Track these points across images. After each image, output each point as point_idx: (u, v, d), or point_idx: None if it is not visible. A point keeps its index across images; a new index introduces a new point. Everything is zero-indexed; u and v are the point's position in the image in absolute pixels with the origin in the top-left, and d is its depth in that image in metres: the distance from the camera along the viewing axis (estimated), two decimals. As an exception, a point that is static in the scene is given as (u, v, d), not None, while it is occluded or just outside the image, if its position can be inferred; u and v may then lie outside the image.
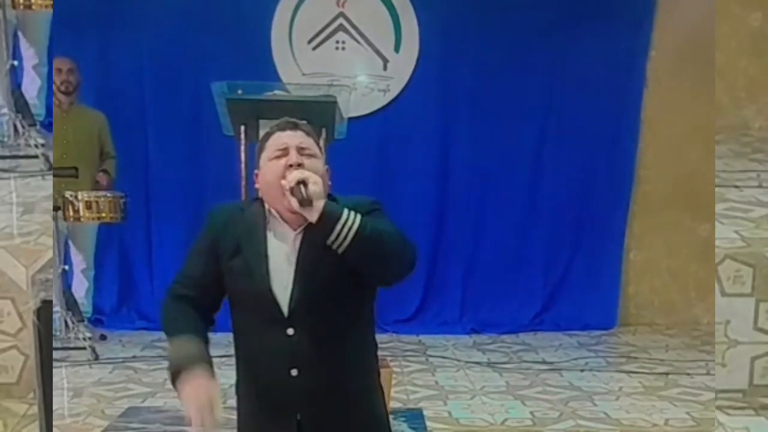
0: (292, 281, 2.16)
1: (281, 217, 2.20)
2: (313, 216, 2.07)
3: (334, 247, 2.08)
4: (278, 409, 2.20)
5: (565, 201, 6.78)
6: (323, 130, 4.51)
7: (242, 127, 4.58)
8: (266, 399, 2.21)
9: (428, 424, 4.29)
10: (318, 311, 2.15)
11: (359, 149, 6.19)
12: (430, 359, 5.73)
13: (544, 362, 5.68)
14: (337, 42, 6.65)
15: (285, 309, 2.15)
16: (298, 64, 6.61)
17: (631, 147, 6.83)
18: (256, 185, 2.26)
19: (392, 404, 4.24)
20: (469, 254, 6.73)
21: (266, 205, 2.24)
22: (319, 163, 2.20)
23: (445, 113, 6.71)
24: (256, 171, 2.26)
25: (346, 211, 2.08)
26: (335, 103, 4.61)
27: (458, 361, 5.62)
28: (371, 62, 6.67)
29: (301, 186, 2.07)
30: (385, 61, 6.68)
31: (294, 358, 2.15)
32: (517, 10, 6.62)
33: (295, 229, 2.20)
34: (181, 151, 6.55)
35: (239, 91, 4.61)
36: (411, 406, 4.58)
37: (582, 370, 5.48)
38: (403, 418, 4.32)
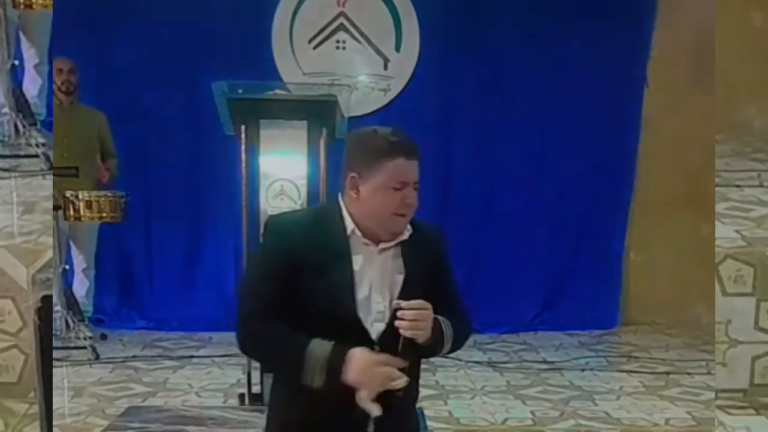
0: (381, 307, 2.16)
1: (367, 233, 2.18)
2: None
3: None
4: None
5: (566, 201, 6.78)
6: (324, 130, 4.53)
7: (243, 127, 4.57)
8: (342, 422, 2.14)
9: (429, 423, 4.29)
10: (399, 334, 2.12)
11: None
12: (431, 359, 5.69)
13: (544, 362, 5.68)
14: (338, 41, 6.65)
15: (374, 335, 2.13)
16: (298, 64, 6.61)
17: (632, 147, 6.83)
18: (350, 193, 2.18)
19: (393, 404, 4.24)
20: (470, 254, 6.69)
21: (346, 219, 2.18)
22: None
23: (445, 113, 6.71)
24: (353, 174, 2.17)
25: (445, 336, 2.19)
26: (336, 102, 4.62)
27: (459, 360, 5.59)
28: (372, 62, 6.67)
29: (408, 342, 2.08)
30: (386, 60, 6.68)
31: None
32: (518, 9, 6.63)
33: (377, 244, 2.20)
34: (182, 150, 6.54)
35: (240, 91, 4.60)
36: (412, 405, 4.57)
37: (583, 370, 5.48)
38: (403, 418, 4.31)
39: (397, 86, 6.67)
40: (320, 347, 2.06)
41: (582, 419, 4.43)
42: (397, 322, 2.09)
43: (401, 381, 2.07)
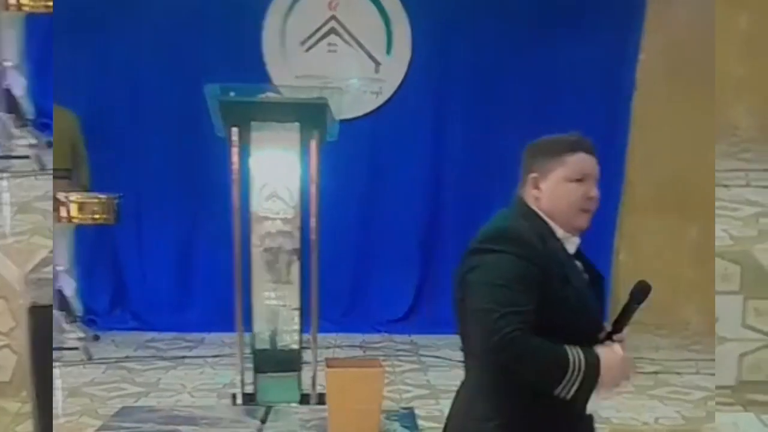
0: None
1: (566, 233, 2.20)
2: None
3: None
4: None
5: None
6: (315, 133, 4.55)
7: (234, 129, 4.59)
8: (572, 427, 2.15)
9: (420, 423, 4.26)
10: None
11: (352, 151, 6.20)
12: (423, 359, 5.76)
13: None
14: (329, 45, 6.68)
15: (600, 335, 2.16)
16: (290, 67, 6.64)
17: (621, 149, 6.86)
18: (532, 193, 2.22)
19: (384, 404, 4.25)
20: (461, 255, 6.72)
21: (551, 225, 2.18)
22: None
23: (437, 115, 6.75)
24: (533, 175, 2.22)
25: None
26: (327, 105, 4.63)
27: (450, 360, 5.61)
28: (363, 65, 6.70)
29: None
30: (377, 63, 6.71)
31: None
32: (508, 13, 6.65)
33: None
34: (175, 152, 6.55)
35: (232, 94, 4.61)
36: (403, 405, 4.61)
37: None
38: (395, 418, 4.29)
39: (388, 89, 6.70)
40: (575, 356, 2.03)
41: (571, 419, 4.46)
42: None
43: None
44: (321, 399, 4.21)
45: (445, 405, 4.59)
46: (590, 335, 2.11)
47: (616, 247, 6.95)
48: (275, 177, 4.57)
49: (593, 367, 2.03)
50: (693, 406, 4.64)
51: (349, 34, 6.69)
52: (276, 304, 4.38)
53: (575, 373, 2.01)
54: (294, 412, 3.81)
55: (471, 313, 2.13)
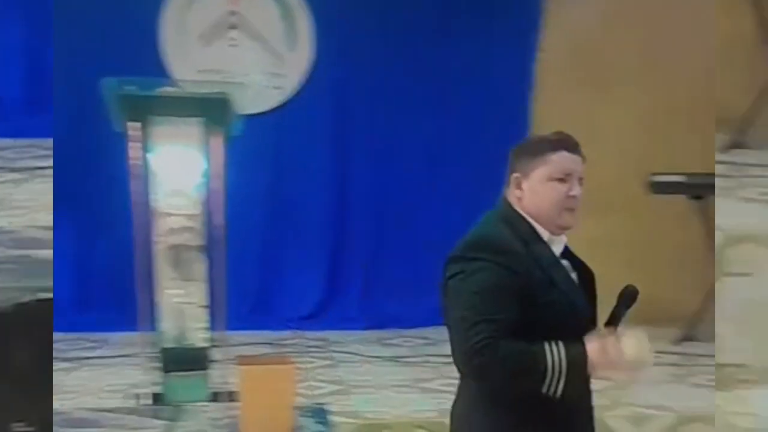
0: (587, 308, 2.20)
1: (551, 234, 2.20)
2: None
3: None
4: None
5: (462, 198, 6.81)
6: (218, 128, 4.46)
7: (134, 124, 4.45)
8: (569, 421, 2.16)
9: (333, 419, 4.26)
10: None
11: (256, 147, 6.08)
12: (334, 355, 5.70)
13: (446, 355, 5.66)
14: (231, 39, 6.53)
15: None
16: (190, 62, 6.44)
17: (522, 146, 6.92)
18: (515, 194, 2.22)
19: (297, 400, 4.20)
20: (370, 251, 6.70)
21: (534, 226, 2.19)
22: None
23: (341, 111, 6.66)
24: (516, 175, 2.23)
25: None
26: (230, 100, 4.55)
27: (362, 356, 5.61)
28: (265, 60, 6.57)
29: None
30: (280, 59, 6.61)
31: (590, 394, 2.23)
32: (410, 9, 6.62)
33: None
34: (71, 147, 6.29)
35: (130, 88, 4.47)
36: (316, 401, 4.53)
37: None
38: (308, 414, 4.27)
39: (291, 85, 6.58)
40: (555, 352, 2.03)
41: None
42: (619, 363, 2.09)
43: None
44: (232, 397, 4.14)
45: (358, 400, 4.61)
46: (581, 336, 2.09)
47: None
48: (177, 173, 4.47)
49: (578, 360, 2.03)
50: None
51: (251, 28, 6.56)
52: (182, 301, 4.29)
53: (556, 370, 2.02)
54: (204, 411, 3.75)
55: (450, 323, 2.15)
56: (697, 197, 6.12)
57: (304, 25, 6.60)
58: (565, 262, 2.23)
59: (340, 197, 6.69)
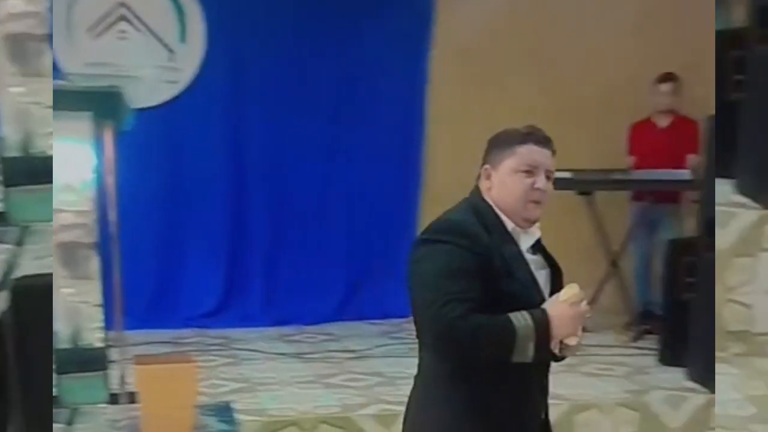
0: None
1: (517, 226, 2.26)
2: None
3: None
4: (534, 416, 2.30)
5: (361, 193, 6.82)
6: (109, 122, 4.29)
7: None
8: (525, 405, 2.26)
9: (237, 416, 4.18)
10: None
11: (150, 141, 5.96)
12: (237, 352, 5.60)
13: (349, 351, 5.70)
14: (120, 32, 6.33)
15: None
16: (79, 55, 6.22)
17: (419, 141, 6.95)
18: (485, 185, 2.28)
19: (200, 399, 4.10)
20: (270, 247, 6.63)
21: (501, 217, 2.25)
22: (551, 185, 2.29)
23: (237, 104, 6.56)
24: (486, 166, 2.29)
25: None
26: (121, 93, 4.39)
27: (265, 353, 5.54)
28: (157, 53, 6.40)
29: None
30: (171, 51, 6.44)
31: (547, 364, 2.31)
32: (305, 2, 6.58)
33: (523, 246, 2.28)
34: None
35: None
36: (219, 399, 4.44)
37: (385, 357, 5.54)
38: (211, 413, 4.18)
39: (185, 78, 6.44)
40: (521, 318, 2.12)
41: (386, 404, 4.48)
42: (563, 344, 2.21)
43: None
44: (132, 398, 4.02)
45: (263, 398, 4.53)
46: None
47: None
48: (67, 168, 4.28)
49: (542, 321, 2.13)
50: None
51: (140, 21, 6.38)
52: (75, 300, 4.10)
53: (524, 333, 2.11)
54: (102, 412, 3.60)
55: (418, 302, 2.20)
56: (585, 193, 6.26)
57: (195, 17, 6.47)
58: (535, 257, 2.30)
59: (237, 192, 6.58)
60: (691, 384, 4.91)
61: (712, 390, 4.66)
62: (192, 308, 6.37)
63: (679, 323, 5.18)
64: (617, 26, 7.06)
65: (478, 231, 2.20)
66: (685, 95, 6.41)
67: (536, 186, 2.24)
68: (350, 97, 6.75)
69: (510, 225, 2.26)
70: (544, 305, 2.17)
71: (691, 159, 6.21)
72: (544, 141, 2.29)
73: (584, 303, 2.21)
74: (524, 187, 2.23)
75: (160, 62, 6.41)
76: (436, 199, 6.93)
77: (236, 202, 6.59)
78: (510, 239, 2.25)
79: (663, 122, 6.39)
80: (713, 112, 4.81)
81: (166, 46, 6.43)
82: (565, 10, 6.99)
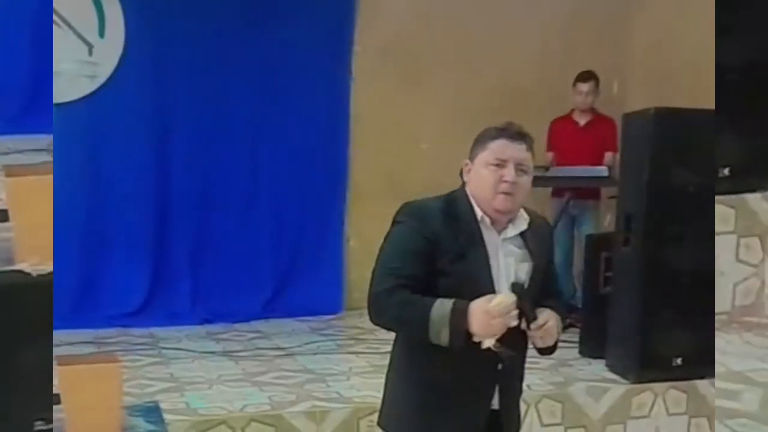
0: (508, 289, 2.37)
1: (488, 216, 2.44)
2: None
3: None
4: (479, 399, 2.46)
5: (286, 190, 6.79)
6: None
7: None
8: (470, 390, 2.43)
9: (166, 416, 4.10)
10: (523, 315, 2.39)
11: (69, 136, 5.79)
12: (163, 351, 5.50)
13: (278, 348, 5.66)
14: (38, 26, 6.16)
15: None
16: (-10, 49, 6.03)
17: (344, 138, 6.95)
18: (465, 178, 2.50)
19: (126, 399, 4.02)
20: (196, 243, 6.53)
21: (474, 207, 2.45)
22: (529, 180, 2.45)
23: (158, 98, 6.42)
24: (466, 161, 2.49)
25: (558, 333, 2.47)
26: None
27: (192, 351, 5.45)
28: (75, 47, 6.22)
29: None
30: (90, 46, 6.28)
31: (509, 368, 2.45)
32: (226, -2, 6.51)
33: (498, 234, 2.46)
34: None
35: None
36: (146, 400, 4.34)
37: (315, 354, 5.53)
38: (138, 413, 4.08)
39: (104, 73, 6.28)
40: (443, 304, 2.28)
41: (317, 401, 4.46)
42: (530, 334, 2.40)
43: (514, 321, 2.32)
44: (55, 400, 3.90)
45: (191, 397, 4.47)
46: None
47: (347, 234, 7.03)
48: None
49: (458, 316, 2.27)
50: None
51: (59, 15, 6.19)
52: (-5, 300, 3.97)
53: (438, 320, 2.27)
54: (27, 415, 3.49)
55: None
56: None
57: (114, 11, 6.31)
58: (516, 249, 2.47)
59: (161, 187, 6.46)
60: (611, 375, 5.04)
61: (631, 380, 4.88)
62: (116, 307, 6.23)
63: (598, 316, 5.31)
64: (539, 25, 7.20)
65: (435, 215, 2.41)
66: (603, 93, 6.59)
67: (505, 178, 2.39)
68: (273, 94, 6.69)
69: (479, 214, 2.44)
70: (475, 301, 2.28)
71: (608, 156, 6.38)
72: (517, 136, 2.45)
73: (511, 314, 2.31)
74: (493, 179, 2.40)
75: (78, 57, 6.24)
76: (361, 195, 6.98)
77: (160, 198, 6.46)
78: (474, 226, 2.42)
79: (582, 120, 6.53)
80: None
81: (84, 40, 6.28)
82: (488, 8, 7.08)
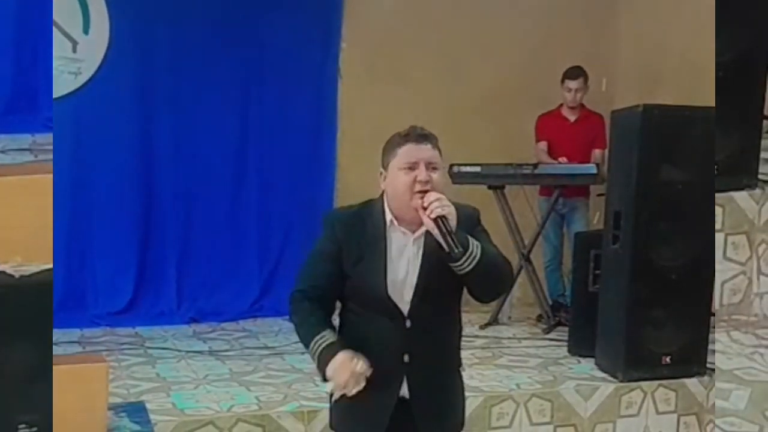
0: (413, 285, 2.57)
1: (403, 220, 2.58)
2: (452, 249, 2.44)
3: (455, 270, 2.47)
4: (386, 388, 2.59)
5: (273, 189, 6.76)
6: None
7: None
8: (377, 379, 2.52)
9: (152, 416, 4.07)
10: (433, 309, 2.59)
11: (54, 134, 5.73)
12: (149, 351, 5.45)
13: (266, 347, 5.62)
14: (22, 23, 6.10)
15: (405, 308, 2.59)
16: (-24, 46, 5.97)
17: (332, 136, 6.92)
18: (382, 186, 2.62)
19: (112, 399, 3.98)
20: (182, 243, 6.48)
21: (386, 212, 2.59)
22: (442, 175, 2.58)
23: (143, 95, 6.37)
24: (381, 170, 2.61)
25: (472, 243, 2.47)
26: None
27: (179, 351, 5.41)
28: (59, 44, 6.14)
29: (442, 221, 2.43)
30: (74, 42, 6.22)
31: (408, 347, 2.60)
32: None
33: (413, 232, 2.59)
34: None
35: None
36: (132, 399, 4.31)
37: (303, 353, 5.43)
38: (124, 413, 4.06)
39: (88, 69, 6.21)
40: (318, 343, 2.53)
41: (305, 400, 4.43)
42: (426, 212, 2.46)
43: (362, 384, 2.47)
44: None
45: (177, 397, 4.44)
46: (378, 309, 2.59)
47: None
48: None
49: (321, 360, 2.50)
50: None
51: (42, 11, 6.15)
52: (-20, 300, 3.93)
53: (311, 354, 2.56)
54: (12, 416, 3.46)
55: None
56: (496, 187, 6.35)
57: (99, 7, 6.25)
58: (425, 249, 2.57)
59: (146, 186, 6.41)
60: (600, 373, 5.04)
61: (620, 379, 4.87)
62: (102, 306, 6.19)
63: (587, 314, 5.30)
64: (525, 20, 7.19)
65: (345, 221, 2.63)
66: (591, 90, 6.58)
67: (419, 178, 2.51)
68: (260, 92, 6.66)
69: (389, 217, 2.59)
70: (342, 355, 2.47)
71: (596, 153, 6.37)
72: (421, 138, 2.57)
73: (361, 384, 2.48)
74: (407, 181, 2.52)
75: (63, 54, 6.16)
76: (349, 193, 6.93)
77: (145, 196, 6.41)
78: (381, 231, 2.59)
79: (572, 116, 6.51)
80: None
81: (69, 37, 6.21)
82: (474, 6, 7.07)
